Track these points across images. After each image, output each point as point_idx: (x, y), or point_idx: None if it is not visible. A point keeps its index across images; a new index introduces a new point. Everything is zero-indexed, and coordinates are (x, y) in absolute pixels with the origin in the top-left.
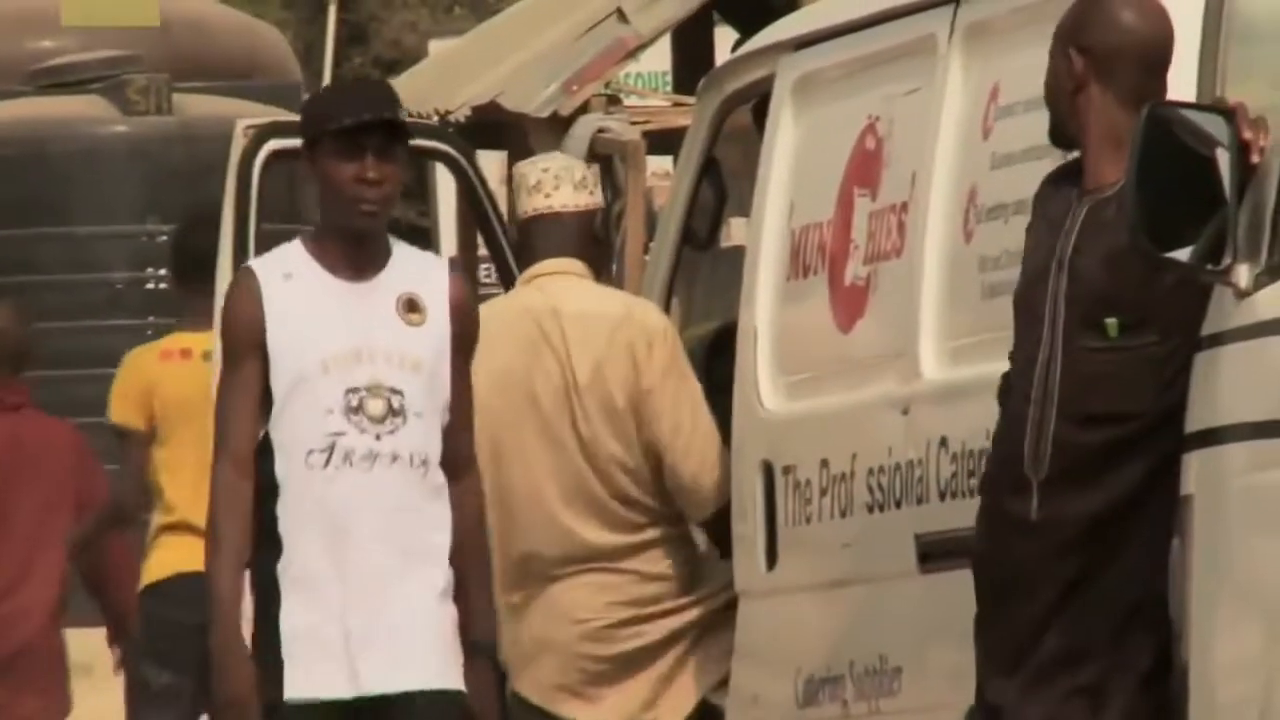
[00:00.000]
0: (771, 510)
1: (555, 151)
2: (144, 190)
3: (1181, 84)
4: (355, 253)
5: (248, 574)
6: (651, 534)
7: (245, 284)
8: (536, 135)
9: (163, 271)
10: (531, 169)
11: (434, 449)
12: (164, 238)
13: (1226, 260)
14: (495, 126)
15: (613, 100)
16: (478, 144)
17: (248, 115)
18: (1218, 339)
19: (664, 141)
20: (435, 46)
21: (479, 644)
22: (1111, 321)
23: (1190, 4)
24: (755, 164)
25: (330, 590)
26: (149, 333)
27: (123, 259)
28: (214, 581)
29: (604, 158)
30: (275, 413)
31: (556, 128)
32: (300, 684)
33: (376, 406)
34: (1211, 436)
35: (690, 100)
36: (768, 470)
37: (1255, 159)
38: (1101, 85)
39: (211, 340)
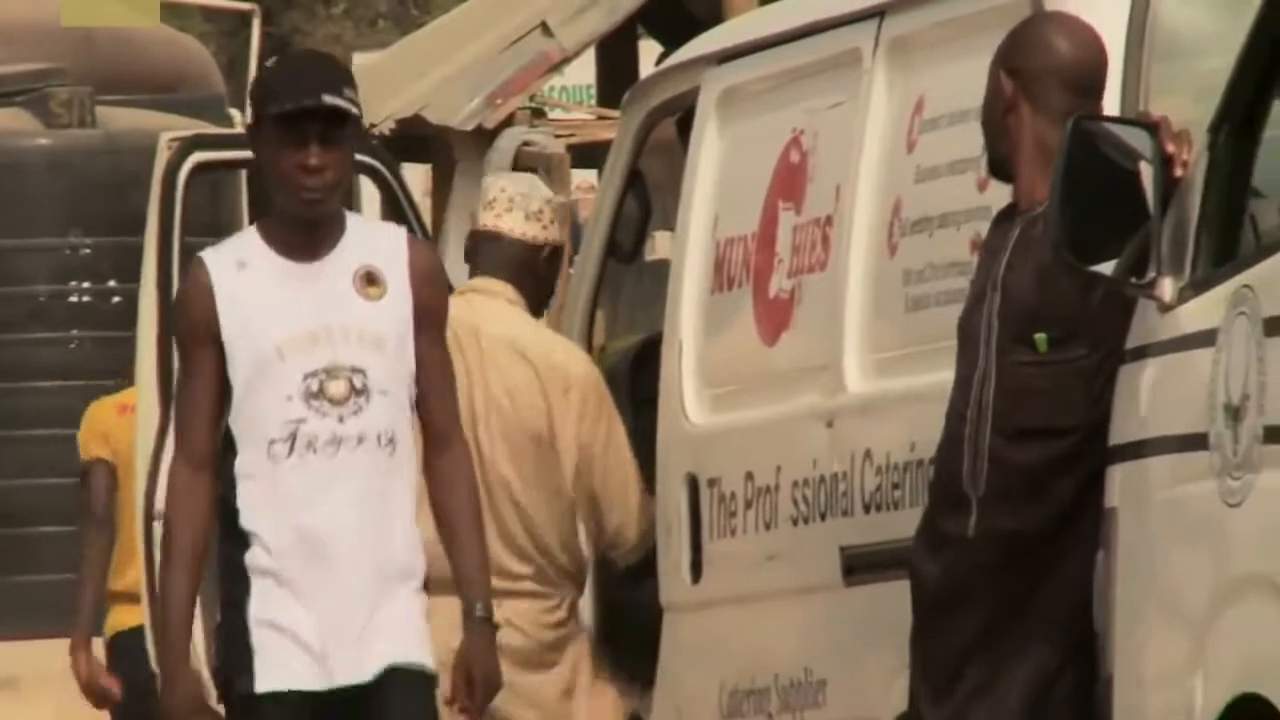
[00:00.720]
0: (696, 523)
1: (532, 176)
2: (67, 203)
3: (1106, 98)
4: (307, 234)
5: (215, 564)
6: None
7: (195, 276)
8: (461, 148)
9: (86, 285)
10: (493, 184)
11: (402, 426)
12: (87, 250)
13: (1151, 273)
14: (420, 139)
15: (537, 113)
16: (402, 157)
17: (171, 128)
18: (1142, 352)
19: (588, 154)
20: (359, 60)
21: (474, 609)
22: (1041, 336)
23: (1114, 19)
24: (680, 177)
25: (300, 582)
26: (71, 345)
27: (45, 272)
28: (165, 589)
29: (529, 170)
30: (235, 405)
31: (481, 141)
32: (272, 675)
33: (337, 388)
34: (1135, 449)
35: (615, 113)
36: (693, 483)
37: (1179, 173)
38: (1031, 106)
39: None
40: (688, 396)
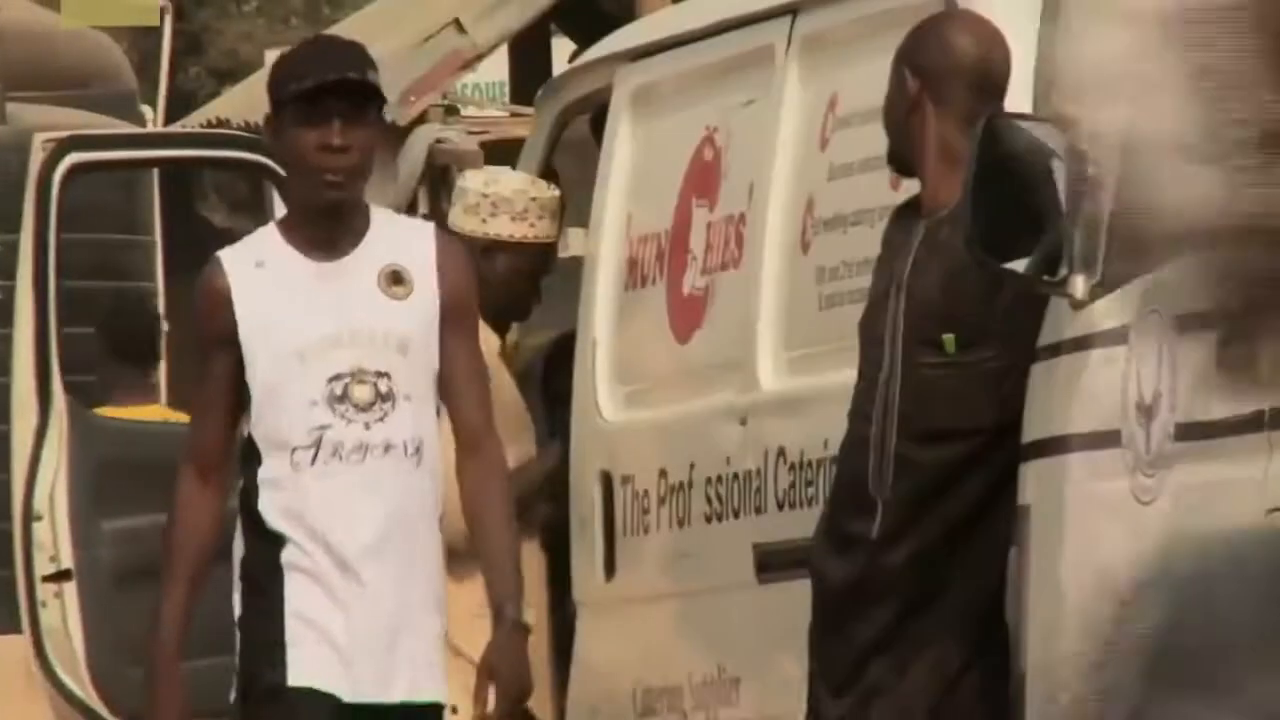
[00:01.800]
0: (610, 520)
1: (514, 171)
2: None
3: (1019, 96)
4: (329, 229)
5: (236, 565)
6: None
7: (211, 276)
8: None
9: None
10: (474, 180)
11: (428, 433)
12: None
13: (1063, 271)
14: None
15: (450, 111)
16: None
17: (83, 125)
18: (1054, 350)
19: (502, 152)
20: (272, 57)
21: (506, 611)
22: (949, 337)
23: (1025, 16)
24: (593, 174)
25: (333, 588)
26: None
27: None
28: (163, 598)
29: (441, 168)
30: (255, 412)
31: (394, 138)
32: (306, 670)
33: (363, 393)
34: (1047, 447)
35: (528, 111)
36: (606, 480)
37: (1091, 170)
38: (936, 106)
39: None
40: (601, 394)
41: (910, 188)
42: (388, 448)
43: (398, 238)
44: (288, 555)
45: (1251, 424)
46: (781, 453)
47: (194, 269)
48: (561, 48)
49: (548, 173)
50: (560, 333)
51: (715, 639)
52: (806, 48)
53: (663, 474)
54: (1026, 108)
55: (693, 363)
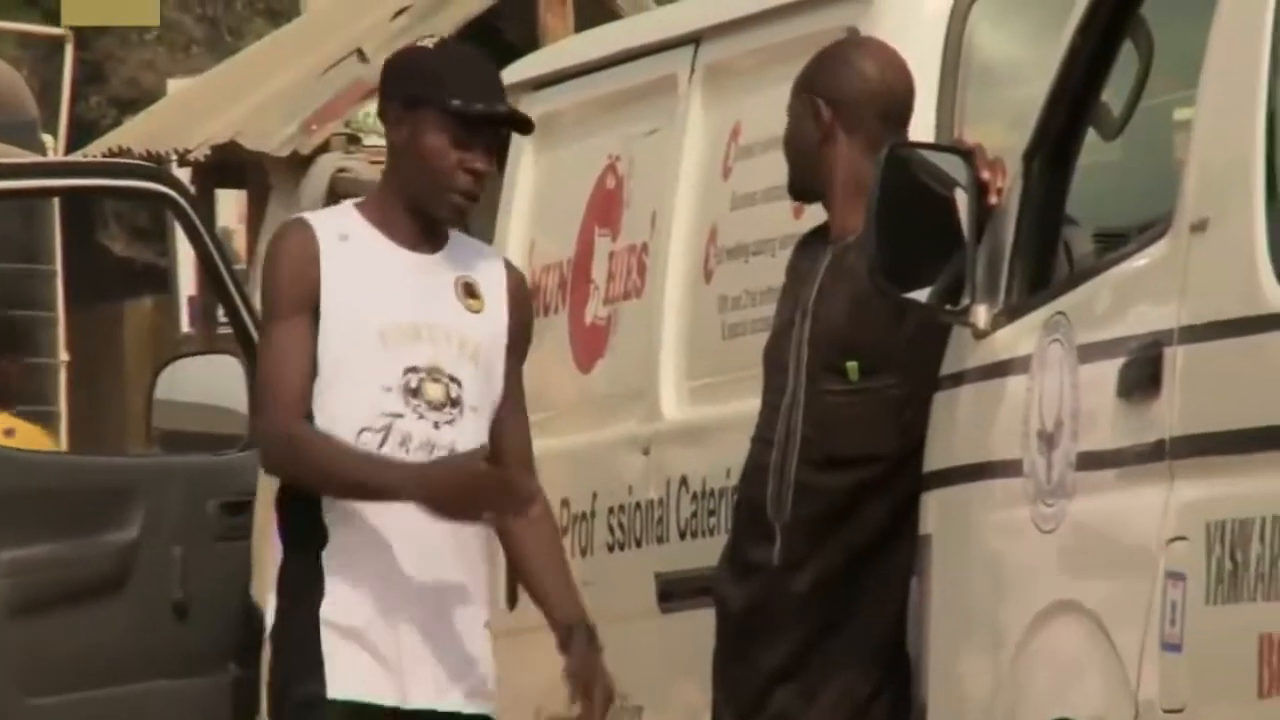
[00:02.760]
0: None
1: None
2: None
3: (920, 125)
4: (422, 227)
5: (277, 567)
6: None
7: (299, 235)
8: (276, 174)
9: None
10: None
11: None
12: None
13: (965, 300)
14: (235, 165)
15: (352, 139)
16: (217, 182)
17: None
18: (957, 379)
19: None
20: (174, 85)
21: (576, 622)
22: (852, 365)
23: (928, 45)
24: (496, 203)
25: (382, 591)
26: None
27: None
28: (360, 474)
29: (343, 197)
30: (321, 386)
31: (296, 167)
32: (346, 683)
33: (436, 391)
34: (949, 476)
35: None
36: None
37: (993, 199)
38: (848, 135)
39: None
40: None
41: (813, 216)
42: (451, 452)
43: (471, 255)
44: (329, 556)
45: (1153, 453)
46: (684, 482)
47: (95, 298)
48: None
49: None
50: None
51: (618, 668)
52: (709, 77)
53: (565, 503)
54: (931, 136)
55: (595, 392)
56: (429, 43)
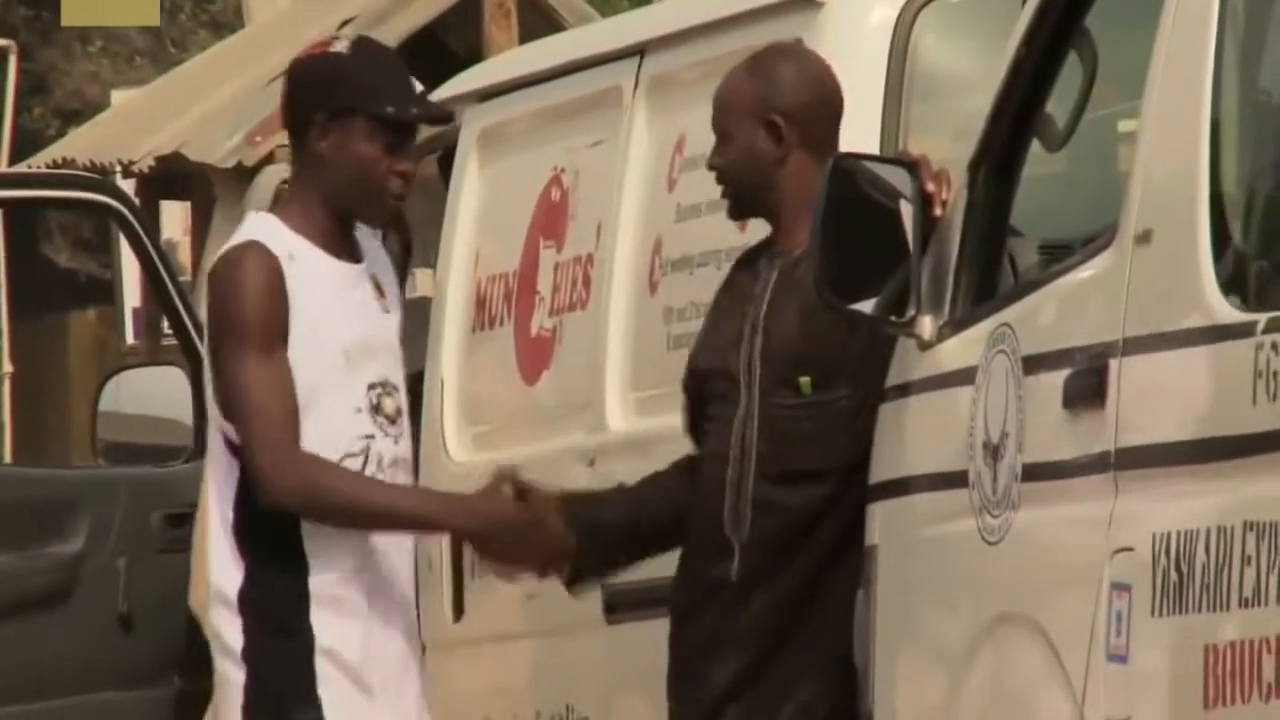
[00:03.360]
0: (458, 561)
1: None
2: None
3: (865, 137)
4: (345, 234)
5: (234, 595)
6: None
7: (264, 262)
8: (221, 185)
9: None
10: None
11: None
12: None
13: (910, 312)
14: (180, 176)
15: None
16: (162, 194)
17: None
18: (902, 390)
19: None
20: (118, 97)
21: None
22: (805, 379)
23: (873, 57)
24: (441, 215)
25: (365, 620)
26: None
27: None
28: (390, 498)
29: None
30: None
31: (241, 178)
32: (342, 710)
33: (390, 405)
34: (895, 487)
35: None
36: None
37: (938, 211)
38: (804, 148)
39: None
40: (449, 434)
41: (757, 229)
42: (406, 464)
43: (370, 250)
44: (314, 585)
45: (1098, 464)
46: None
47: (38, 310)
48: None
49: (395, 213)
50: (408, 373)
51: (564, 679)
52: (654, 89)
53: None
54: (876, 148)
55: (541, 404)
56: (342, 46)
